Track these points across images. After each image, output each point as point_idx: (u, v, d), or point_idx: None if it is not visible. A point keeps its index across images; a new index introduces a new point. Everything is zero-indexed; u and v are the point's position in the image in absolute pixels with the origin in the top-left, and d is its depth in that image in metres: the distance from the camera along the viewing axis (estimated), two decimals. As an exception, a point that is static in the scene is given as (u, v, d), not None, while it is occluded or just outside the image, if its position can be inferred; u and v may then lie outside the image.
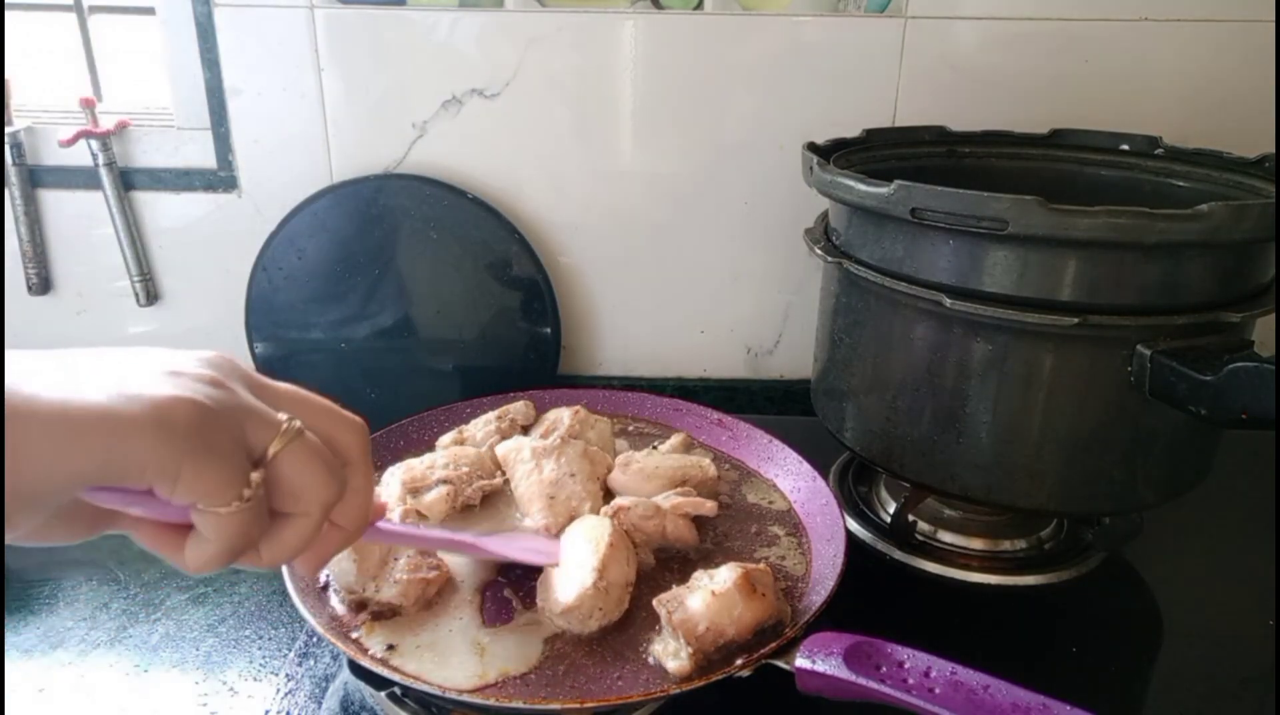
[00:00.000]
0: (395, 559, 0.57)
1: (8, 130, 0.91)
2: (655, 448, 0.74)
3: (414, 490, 0.65)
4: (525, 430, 0.75)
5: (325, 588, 0.58)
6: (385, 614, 0.55)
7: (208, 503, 0.35)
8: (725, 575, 0.53)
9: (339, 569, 0.56)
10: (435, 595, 0.57)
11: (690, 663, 0.50)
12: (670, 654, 0.52)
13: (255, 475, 0.36)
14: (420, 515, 0.64)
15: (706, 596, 0.52)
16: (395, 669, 0.51)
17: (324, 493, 0.38)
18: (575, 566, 0.56)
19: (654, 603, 0.53)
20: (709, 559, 0.63)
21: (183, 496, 0.34)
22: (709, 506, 0.63)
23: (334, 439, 0.40)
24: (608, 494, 0.68)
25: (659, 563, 0.62)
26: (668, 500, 0.63)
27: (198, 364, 0.37)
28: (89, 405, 0.32)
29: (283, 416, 0.38)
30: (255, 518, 0.37)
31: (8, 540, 0.34)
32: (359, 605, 0.55)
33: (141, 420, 0.33)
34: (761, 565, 0.56)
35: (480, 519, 0.66)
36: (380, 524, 0.47)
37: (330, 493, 0.39)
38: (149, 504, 0.36)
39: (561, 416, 0.73)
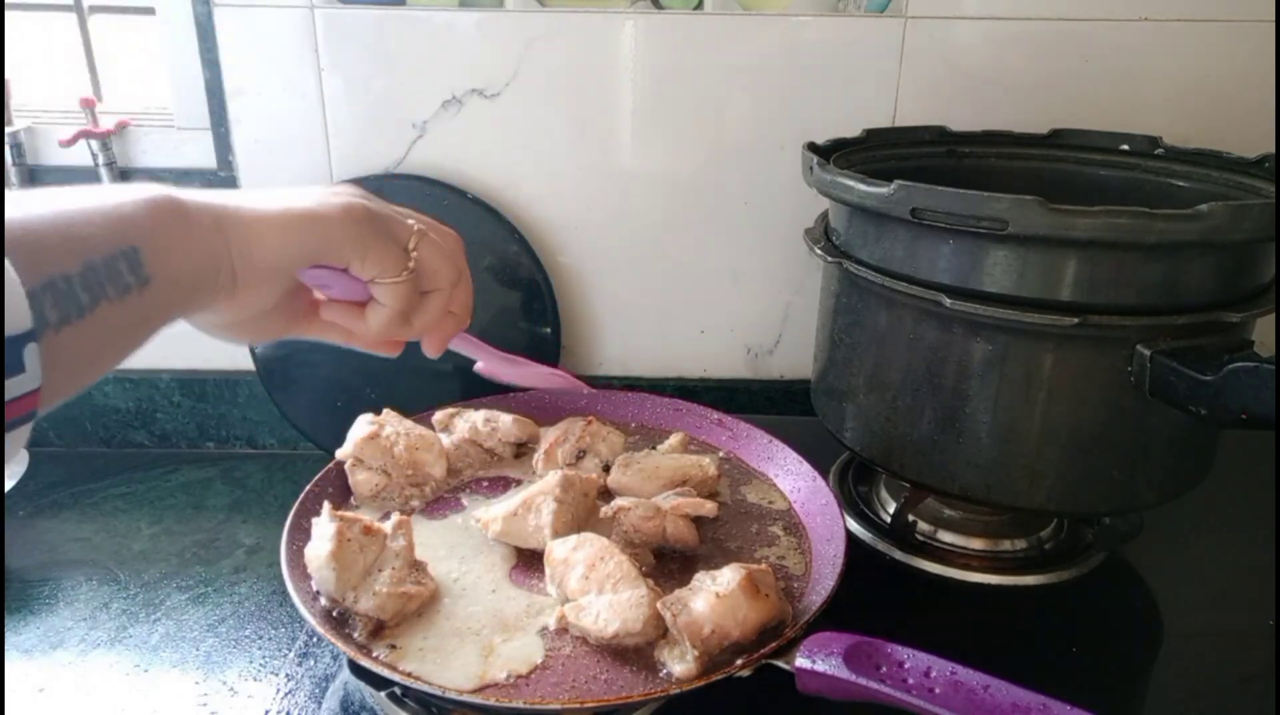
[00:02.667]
0: (379, 570, 0.55)
1: (8, 130, 0.91)
2: (654, 448, 0.74)
3: (357, 460, 0.68)
4: (518, 448, 0.74)
5: (317, 595, 0.58)
6: (371, 627, 0.54)
7: (384, 274, 0.49)
8: (728, 577, 0.53)
9: (320, 576, 0.55)
10: (421, 608, 0.56)
11: (696, 665, 0.50)
12: (676, 657, 0.52)
13: (413, 253, 0.50)
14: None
15: (711, 599, 0.52)
16: (396, 669, 0.51)
17: (451, 272, 0.53)
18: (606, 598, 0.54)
19: (658, 605, 0.53)
20: (709, 559, 0.63)
21: (369, 270, 0.49)
22: (709, 507, 0.63)
23: (441, 232, 0.54)
24: (607, 494, 0.68)
25: (657, 562, 0.62)
26: (668, 501, 0.63)
27: (347, 190, 0.50)
28: (303, 208, 0.46)
29: (410, 220, 0.52)
30: (413, 288, 0.51)
31: (243, 315, 0.47)
32: (340, 618, 0.55)
33: (338, 215, 0.47)
34: (763, 565, 0.55)
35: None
36: (463, 334, 0.62)
37: (454, 272, 0.54)
38: (341, 283, 0.50)
39: (571, 428, 0.72)
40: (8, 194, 0.35)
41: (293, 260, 0.46)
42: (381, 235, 0.49)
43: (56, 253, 0.35)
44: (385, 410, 0.71)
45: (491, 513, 0.63)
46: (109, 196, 0.39)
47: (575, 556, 0.56)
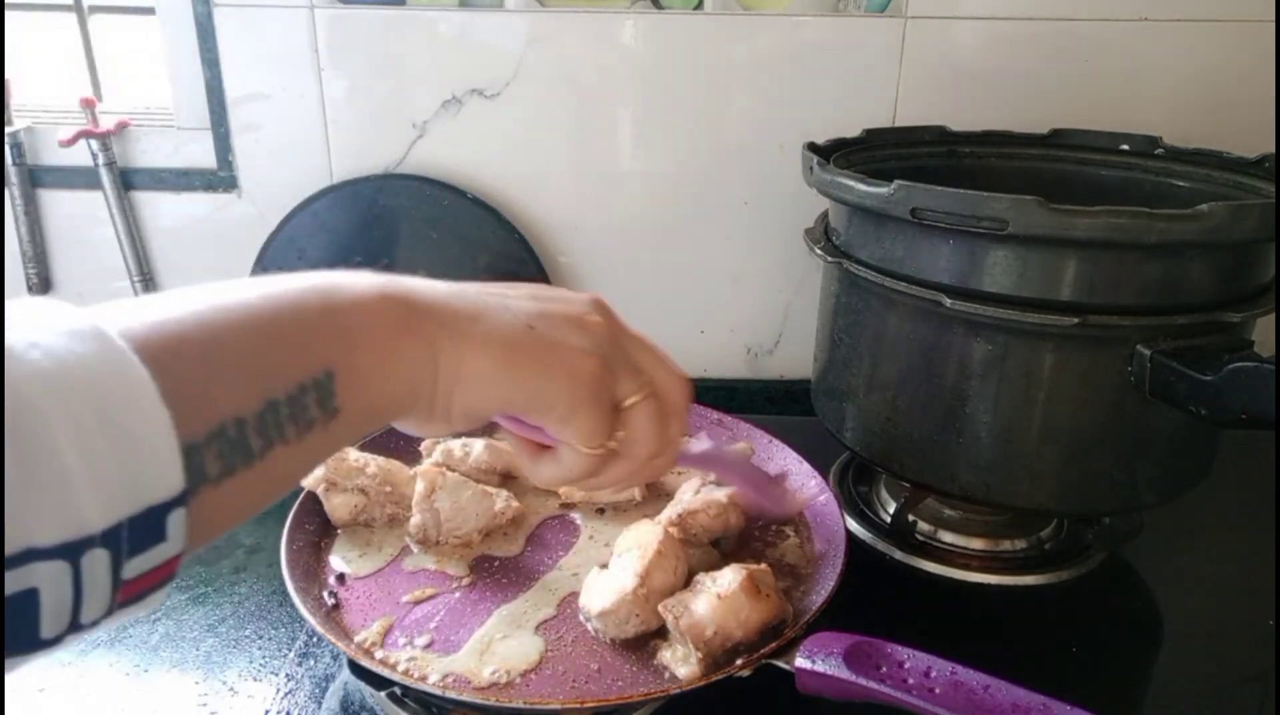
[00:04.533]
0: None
1: (8, 130, 0.91)
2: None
3: (331, 483, 0.65)
4: (503, 477, 0.72)
5: (321, 588, 0.58)
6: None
7: (581, 443, 0.41)
8: (729, 578, 0.53)
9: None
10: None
11: (700, 668, 0.50)
12: (679, 659, 0.52)
13: (620, 433, 0.42)
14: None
15: (712, 600, 0.52)
16: (396, 669, 0.51)
17: (654, 447, 0.43)
18: (620, 570, 0.56)
19: (659, 608, 0.53)
20: (709, 560, 0.63)
21: (565, 436, 0.40)
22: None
23: (669, 392, 0.44)
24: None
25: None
26: (722, 491, 0.63)
27: (591, 311, 0.42)
28: (529, 346, 0.38)
29: (644, 375, 0.43)
30: (605, 460, 0.42)
31: (435, 434, 0.41)
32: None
33: (564, 373, 0.38)
34: (762, 566, 0.56)
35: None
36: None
37: (657, 448, 0.43)
38: (531, 430, 0.42)
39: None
40: (194, 289, 0.29)
41: (497, 408, 0.39)
42: (596, 404, 0.40)
43: (237, 390, 0.28)
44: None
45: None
46: (322, 292, 0.32)
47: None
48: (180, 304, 0.28)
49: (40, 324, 0.24)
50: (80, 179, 0.93)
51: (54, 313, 0.25)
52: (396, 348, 0.34)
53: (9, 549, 0.22)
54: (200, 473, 0.26)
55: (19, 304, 0.25)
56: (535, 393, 0.38)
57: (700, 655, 0.50)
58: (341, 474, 0.66)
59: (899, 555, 0.73)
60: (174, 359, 0.26)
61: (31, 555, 0.22)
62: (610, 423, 0.41)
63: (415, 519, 0.63)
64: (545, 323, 0.39)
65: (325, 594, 0.59)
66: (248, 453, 0.28)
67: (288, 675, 0.60)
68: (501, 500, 0.66)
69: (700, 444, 0.55)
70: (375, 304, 0.34)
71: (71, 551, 0.23)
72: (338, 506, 0.65)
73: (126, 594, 0.25)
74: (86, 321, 0.25)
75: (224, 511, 0.28)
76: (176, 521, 0.25)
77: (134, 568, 0.25)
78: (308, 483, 0.66)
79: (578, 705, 0.49)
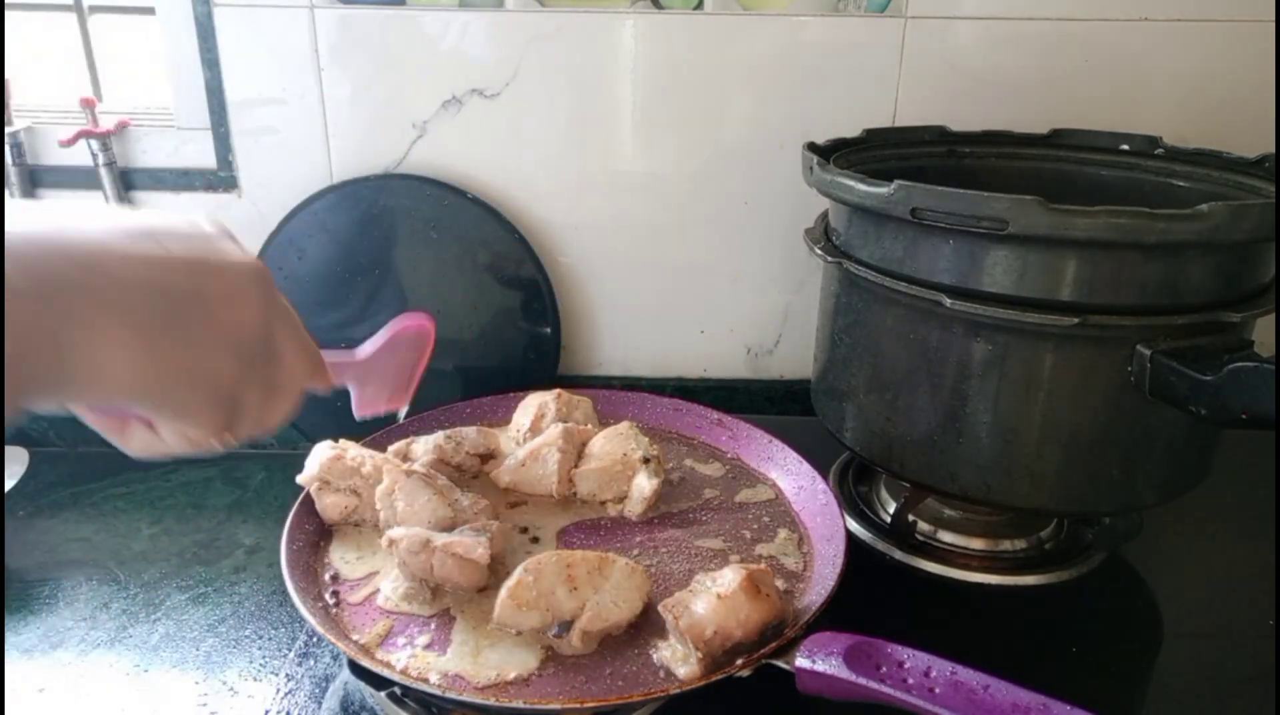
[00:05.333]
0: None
1: (8, 130, 0.91)
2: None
3: (324, 482, 0.65)
4: (483, 460, 0.72)
5: (326, 583, 0.58)
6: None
7: (186, 439, 0.38)
8: (729, 577, 0.53)
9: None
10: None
11: (700, 668, 0.50)
12: (679, 659, 0.52)
13: (230, 436, 0.39)
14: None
15: (712, 600, 0.52)
16: (396, 669, 0.51)
17: (257, 427, 0.41)
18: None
19: (660, 608, 0.53)
20: (710, 560, 0.63)
21: (175, 430, 0.38)
22: (479, 554, 0.57)
23: (292, 379, 0.42)
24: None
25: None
26: (441, 538, 0.58)
27: (254, 285, 0.37)
28: (159, 349, 0.33)
29: (273, 369, 0.40)
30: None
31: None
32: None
33: (193, 372, 0.35)
34: (762, 565, 0.56)
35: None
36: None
37: (261, 425, 0.41)
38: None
39: (546, 403, 0.76)
40: None
41: (109, 399, 0.34)
42: (223, 407, 0.37)
43: None
44: (343, 440, 0.69)
45: (501, 468, 0.70)
46: None
47: None
48: None
49: None
50: (80, 179, 0.93)
51: None
52: (17, 355, 0.28)
53: None
54: None
55: None
56: (162, 395, 0.34)
57: (700, 655, 0.50)
58: (335, 473, 0.65)
59: (899, 555, 0.73)
60: None
61: None
62: (226, 419, 0.38)
63: (380, 514, 0.63)
64: (195, 313, 0.34)
65: (325, 594, 0.59)
66: None
67: (288, 675, 0.60)
68: (462, 507, 0.62)
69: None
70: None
71: None
72: (329, 506, 0.65)
73: None
74: None
75: None
76: None
77: None
78: (302, 480, 0.66)
79: (578, 705, 0.49)
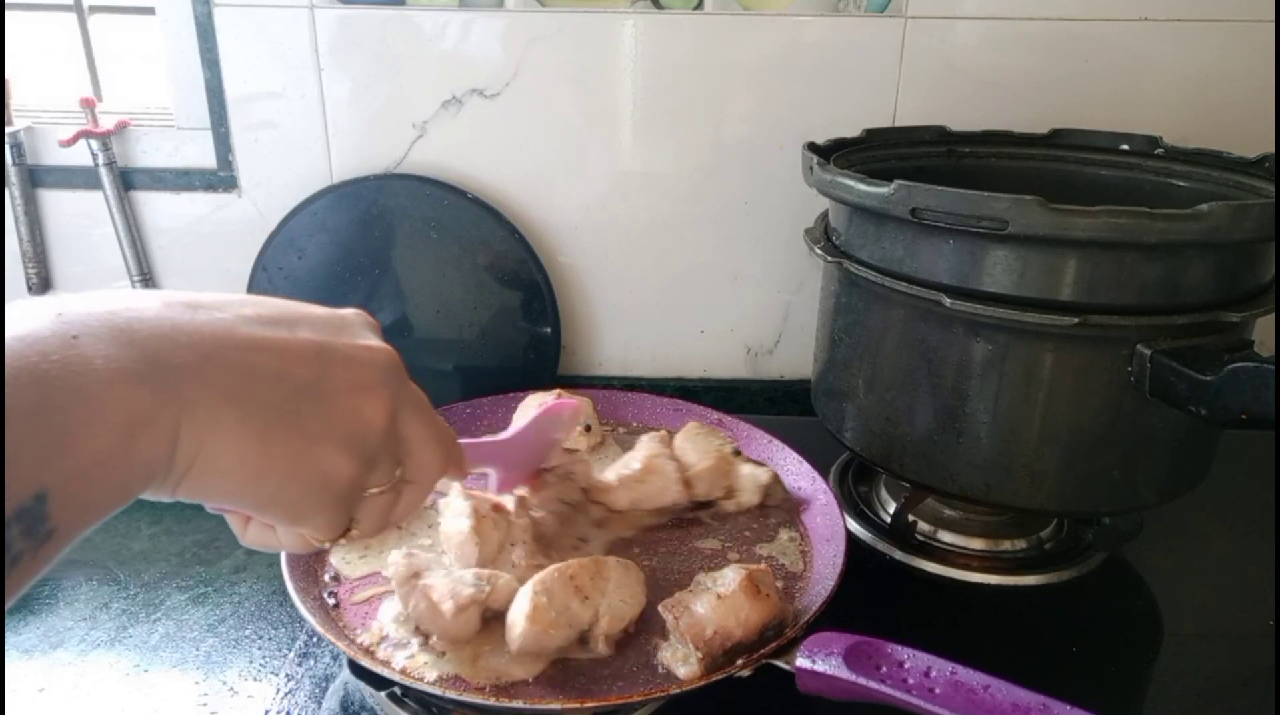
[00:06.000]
0: (511, 545, 0.58)
1: (8, 130, 0.91)
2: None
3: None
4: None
5: (323, 585, 0.58)
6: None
7: (305, 541, 0.38)
8: (729, 577, 0.53)
9: (463, 552, 0.57)
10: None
11: (700, 668, 0.50)
12: (679, 660, 0.52)
13: (355, 529, 0.38)
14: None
15: (712, 600, 0.52)
16: (396, 669, 0.51)
17: (380, 528, 0.40)
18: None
19: (660, 608, 0.53)
20: (710, 559, 0.63)
21: (292, 530, 0.37)
22: (446, 607, 0.52)
23: (423, 474, 0.41)
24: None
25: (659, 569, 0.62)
26: (434, 575, 0.55)
27: (378, 378, 0.36)
28: (274, 446, 0.32)
29: (402, 463, 0.38)
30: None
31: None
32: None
33: (310, 474, 0.34)
34: (762, 565, 0.56)
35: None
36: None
37: (383, 527, 0.41)
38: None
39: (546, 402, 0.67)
40: None
41: (224, 502, 0.34)
42: (341, 508, 0.36)
43: None
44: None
45: (609, 484, 0.65)
46: (41, 381, 0.25)
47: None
48: None
49: None
50: (80, 179, 0.93)
51: None
52: (134, 447, 0.28)
53: None
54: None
55: None
56: (274, 496, 0.33)
57: (700, 655, 0.50)
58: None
59: (899, 555, 0.73)
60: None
61: None
62: (346, 521, 0.37)
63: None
64: (316, 405, 0.33)
65: (325, 594, 0.59)
66: None
67: (288, 675, 0.60)
68: (492, 548, 0.59)
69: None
70: (115, 392, 0.27)
71: None
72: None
73: None
74: None
75: None
76: None
77: None
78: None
79: (578, 705, 0.49)
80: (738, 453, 0.71)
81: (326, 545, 0.39)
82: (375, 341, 0.37)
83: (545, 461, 0.62)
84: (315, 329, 0.35)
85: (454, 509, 0.60)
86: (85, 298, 0.29)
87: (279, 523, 0.36)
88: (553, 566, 0.54)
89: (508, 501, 0.61)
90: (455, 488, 0.60)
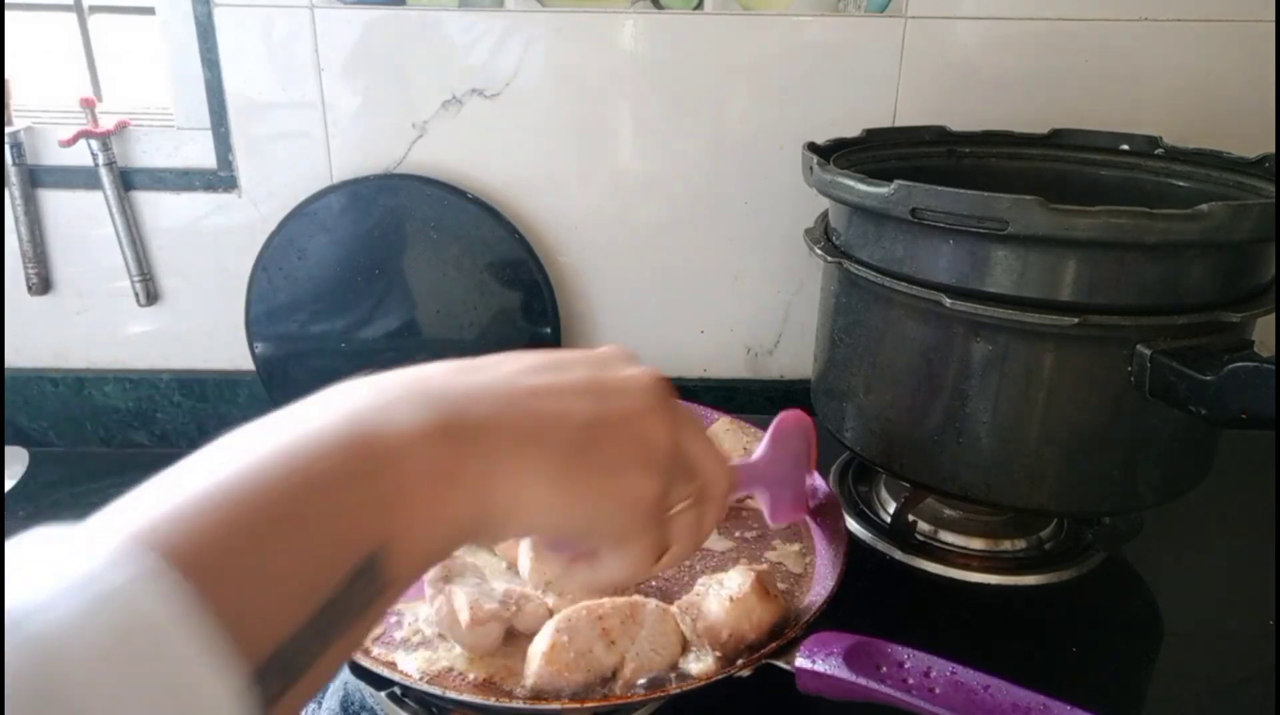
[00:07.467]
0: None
1: (8, 130, 0.90)
2: None
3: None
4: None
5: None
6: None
7: (629, 563, 0.38)
8: (738, 580, 0.53)
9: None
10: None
11: (716, 665, 0.51)
12: (691, 659, 0.52)
13: (666, 559, 0.40)
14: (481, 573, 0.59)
15: (725, 603, 0.52)
16: (396, 669, 0.51)
17: (694, 547, 0.42)
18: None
19: (670, 610, 0.53)
20: (710, 560, 0.63)
21: (613, 557, 0.38)
22: (463, 617, 0.52)
23: (715, 488, 0.41)
24: None
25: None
26: (464, 583, 0.54)
27: (653, 404, 0.37)
28: (591, 472, 0.34)
29: (696, 478, 0.39)
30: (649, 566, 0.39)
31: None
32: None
33: (619, 497, 0.35)
34: (765, 566, 0.56)
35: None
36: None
37: (696, 546, 0.42)
38: (568, 542, 0.40)
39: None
40: (209, 464, 0.25)
41: (548, 534, 0.37)
42: (656, 527, 0.38)
43: (291, 603, 0.24)
44: None
45: None
46: (359, 448, 0.27)
47: None
48: (205, 496, 0.24)
49: (58, 572, 0.20)
50: (80, 179, 0.93)
51: (67, 553, 0.21)
52: (453, 497, 0.30)
53: None
54: (260, 700, 0.22)
55: (17, 548, 0.21)
56: (591, 522, 0.35)
57: (718, 654, 0.51)
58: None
59: (899, 555, 0.73)
60: (221, 583, 0.22)
61: None
62: (663, 541, 0.39)
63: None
64: (606, 435, 0.35)
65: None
66: (306, 661, 0.25)
67: (288, 675, 0.60)
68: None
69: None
70: (422, 451, 0.29)
71: None
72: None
73: None
74: (102, 557, 0.21)
75: None
76: None
77: None
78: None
79: (577, 705, 0.49)
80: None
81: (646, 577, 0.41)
82: (639, 369, 0.38)
83: (805, 486, 0.61)
84: (584, 367, 0.37)
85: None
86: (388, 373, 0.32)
87: (607, 547, 0.37)
88: (583, 604, 0.52)
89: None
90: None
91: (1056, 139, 0.82)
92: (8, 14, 0.95)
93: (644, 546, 0.38)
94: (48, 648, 0.18)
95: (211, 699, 0.21)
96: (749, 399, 1.01)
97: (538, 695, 0.49)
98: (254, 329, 0.95)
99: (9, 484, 0.87)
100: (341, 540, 0.26)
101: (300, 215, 0.92)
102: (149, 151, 0.94)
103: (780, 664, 0.51)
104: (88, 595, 0.20)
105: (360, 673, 0.52)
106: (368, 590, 0.27)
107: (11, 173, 0.91)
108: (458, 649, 0.52)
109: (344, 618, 0.26)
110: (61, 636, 0.19)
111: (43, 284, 0.97)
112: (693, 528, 0.40)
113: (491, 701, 0.49)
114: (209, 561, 0.22)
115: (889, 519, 0.75)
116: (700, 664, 0.51)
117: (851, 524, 0.75)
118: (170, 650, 0.20)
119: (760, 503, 0.59)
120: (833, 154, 0.74)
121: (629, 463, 0.35)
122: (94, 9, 0.98)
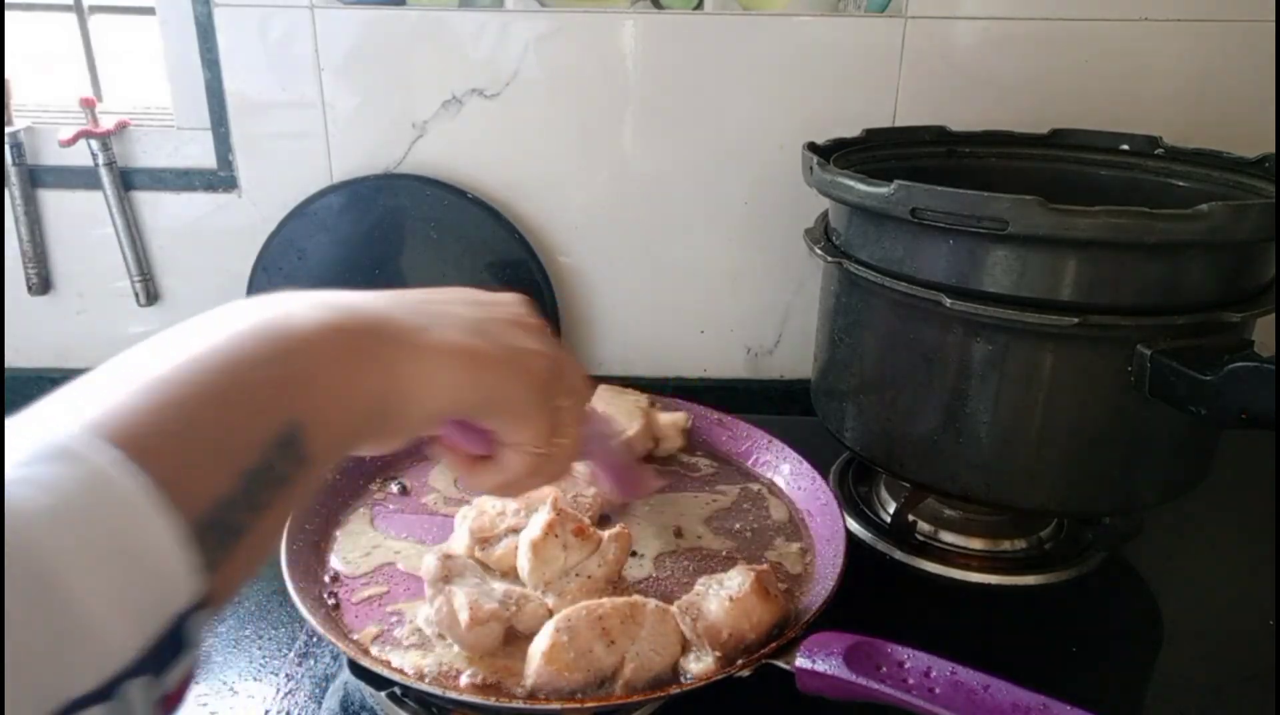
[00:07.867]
0: (575, 575, 0.57)
1: (8, 130, 0.91)
2: None
3: (482, 540, 0.60)
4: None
5: (325, 587, 0.58)
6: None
7: (531, 443, 0.41)
8: (739, 580, 0.53)
9: (520, 562, 0.58)
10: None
11: (716, 665, 0.51)
12: (692, 659, 0.52)
13: (564, 433, 0.42)
14: (487, 568, 0.60)
15: (725, 603, 0.52)
16: (396, 668, 0.51)
17: (574, 451, 0.44)
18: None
19: (672, 610, 0.53)
20: (711, 560, 0.63)
21: (515, 436, 0.40)
22: (463, 617, 0.52)
23: (583, 395, 0.45)
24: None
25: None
26: (464, 582, 0.55)
27: (525, 312, 0.42)
28: (477, 348, 0.37)
29: (571, 377, 0.43)
30: (542, 461, 0.42)
31: (389, 449, 0.38)
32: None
33: (517, 368, 0.39)
34: (765, 566, 0.56)
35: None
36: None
37: (577, 451, 0.44)
38: (471, 436, 0.42)
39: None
40: (137, 356, 0.29)
41: (455, 412, 0.38)
42: (550, 402, 0.40)
43: (217, 471, 0.27)
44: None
45: None
46: (271, 336, 0.31)
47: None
48: (135, 380, 0.27)
49: (14, 448, 0.23)
50: (80, 179, 0.93)
51: (22, 434, 0.24)
52: (357, 378, 0.33)
53: (48, 709, 0.21)
54: (203, 558, 0.25)
55: None
56: (494, 393, 0.38)
57: (719, 654, 0.51)
58: (485, 529, 0.62)
59: (899, 555, 0.73)
60: (156, 453, 0.25)
61: (72, 707, 0.21)
62: (554, 424, 0.41)
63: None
64: (493, 326, 0.39)
65: (325, 594, 0.59)
66: (236, 531, 0.27)
67: (288, 675, 0.60)
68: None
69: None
70: (327, 336, 0.32)
71: (109, 689, 0.22)
72: (502, 558, 0.60)
73: (168, 706, 0.25)
74: (62, 434, 0.24)
75: (222, 593, 0.27)
76: (198, 622, 0.25)
77: (171, 680, 0.24)
78: (459, 549, 0.62)
79: (578, 706, 0.49)
80: (653, 404, 0.75)
81: (552, 473, 0.43)
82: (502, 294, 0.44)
83: (630, 468, 0.60)
84: (459, 291, 0.42)
85: (534, 519, 0.58)
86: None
87: (503, 424, 0.40)
88: (583, 604, 0.52)
89: (599, 532, 0.58)
90: (550, 501, 0.58)
91: (1056, 139, 0.82)
92: (8, 14, 0.95)
93: (540, 424, 0.40)
94: (14, 518, 0.21)
95: (159, 547, 0.24)
96: (749, 399, 1.01)
97: (537, 695, 0.49)
98: (254, 329, 0.95)
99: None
100: (259, 412, 0.29)
101: (300, 215, 0.92)
102: (149, 151, 0.94)
103: (780, 664, 0.51)
104: (56, 476, 0.23)
105: (360, 673, 0.52)
106: (289, 461, 0.29)
107: (11, 173, 0.91)
108: (457, 649, 0.52)
109: (271, 486, 0.28)
110: (34, 510, 0.22)
111: (43, 284, 0.97)
112: (576, 423, 0.43)
113: (491, 701, 0.49)
114: (149, 438, 0.25)
115: (889, 519, 0.75)
116: (700, 664, 0.51)
117: (851, 524, 0.75)
118: (120, 507, 0.23)
119: (602, 478, 0.58)
120: (833, 154, 0.74)
121: (520, 339, 0.40)
122: (94, 9, 0.98)
